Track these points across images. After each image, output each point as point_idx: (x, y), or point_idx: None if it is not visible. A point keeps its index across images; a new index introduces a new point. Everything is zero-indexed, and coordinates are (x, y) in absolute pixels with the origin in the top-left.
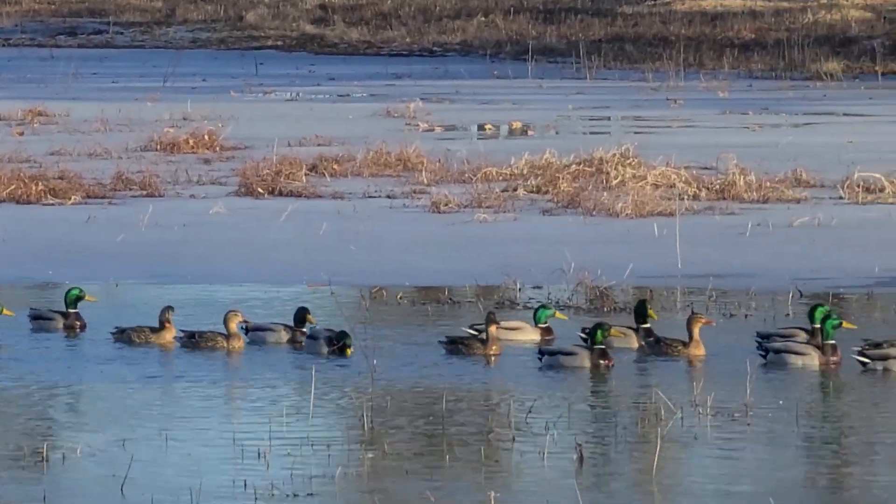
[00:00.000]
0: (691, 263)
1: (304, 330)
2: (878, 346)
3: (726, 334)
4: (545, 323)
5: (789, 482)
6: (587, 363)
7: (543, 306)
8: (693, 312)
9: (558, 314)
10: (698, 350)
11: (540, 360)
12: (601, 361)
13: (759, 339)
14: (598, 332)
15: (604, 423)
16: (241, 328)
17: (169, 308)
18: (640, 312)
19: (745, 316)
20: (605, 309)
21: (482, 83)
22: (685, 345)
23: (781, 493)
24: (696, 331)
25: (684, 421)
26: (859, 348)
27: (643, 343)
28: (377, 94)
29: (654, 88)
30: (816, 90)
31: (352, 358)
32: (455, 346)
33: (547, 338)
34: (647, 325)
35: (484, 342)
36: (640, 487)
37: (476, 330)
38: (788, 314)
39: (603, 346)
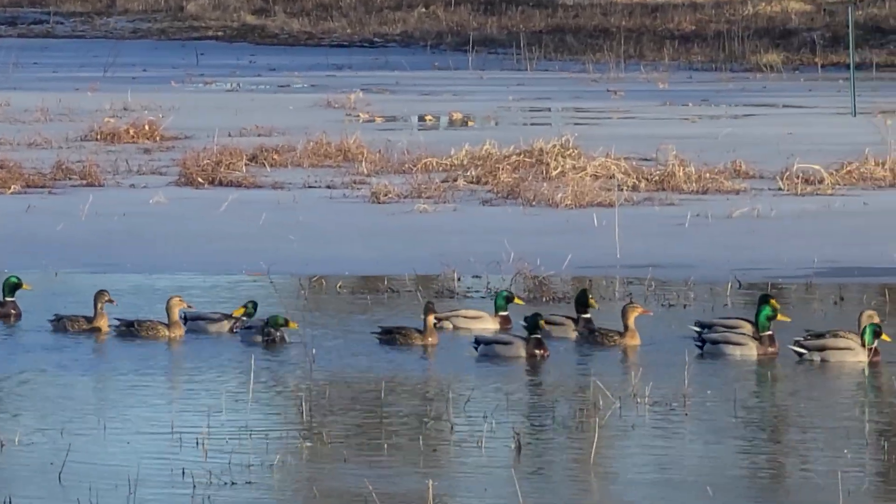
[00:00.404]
0: (630, 254)
1: (244, 319)
2: (820, 336)
3: (665, 324)
4: (505, 311)
5: (727, 471)
6: (522, 353)
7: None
8: (629, 302)
9: (517, 300)
10: (633, 340)
11: (476, 349)
12: (536, 351)
13: (700, 329)
14: (535, 322)
15: (542, 412)
16: (182, 315)
17: (102, 292)
18: (581, 302)
19: (684, 306)
20: (544, 299)
21: (423, 74)
22: (621, 335)
23: (719, 483)
24: (631, 321)
25: (622, 410)
26: (800, 339)
27: (580, 332)
28: (318, 85)
29: (594, 80)
30: (756, 82)
31: (290, 347)
32: (391, 335)
33: (506, 327)
34: (588, 315)
35: (421, 332)
36: (578, 476)
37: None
38: (727, 304)
39: (539, 336)
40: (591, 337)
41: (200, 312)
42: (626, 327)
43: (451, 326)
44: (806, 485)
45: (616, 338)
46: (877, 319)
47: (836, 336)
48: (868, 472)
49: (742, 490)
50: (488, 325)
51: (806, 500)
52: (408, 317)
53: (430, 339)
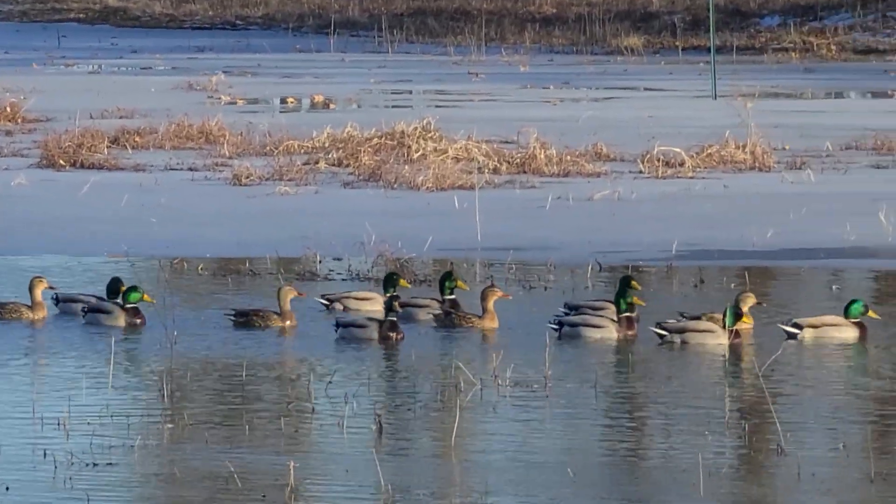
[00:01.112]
0: (491, 236)
1: (118, 302)
2: (697, 318)
3: (526, 306)
4: (451, 294)
5: (588, 453)
6: (376, 335)
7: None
8: (490, 286)
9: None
10: (492, 322)
11: (336, 331)
12: (390, 334)
13: (567, 311)
14: (390, 305)
15: (403, 394)
16: (52, 298)
17: None
18: (445, 284)
19: (545, 288)
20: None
21: (284, 57)
22: (479, 317)
23: (580, 465)
24: (490, 304)
25: (483, 392)
26: (675, 320)
27: (436, 315)
28: (179, 67)
29: (455, 62)
30: (617, 65)
31: (152, 328)
32: (248, 318)
33: (451, 310)
34: (453, 297)
35: (279, 314)
36: (440, 458)
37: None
38: (588, 287)
39: (394, 319)
40: (449, 319)
41: (72, 294)
42: (484, 310)
43: (341, 308)
44: (666, 466)
45: (474, 320)
46: (753, 301)
47: (713, 318)
48: (728, 454)
49: (603, 472)
50: (378, 307)
51: (666, 482)
52: (270, 299)
53: (287, 321)
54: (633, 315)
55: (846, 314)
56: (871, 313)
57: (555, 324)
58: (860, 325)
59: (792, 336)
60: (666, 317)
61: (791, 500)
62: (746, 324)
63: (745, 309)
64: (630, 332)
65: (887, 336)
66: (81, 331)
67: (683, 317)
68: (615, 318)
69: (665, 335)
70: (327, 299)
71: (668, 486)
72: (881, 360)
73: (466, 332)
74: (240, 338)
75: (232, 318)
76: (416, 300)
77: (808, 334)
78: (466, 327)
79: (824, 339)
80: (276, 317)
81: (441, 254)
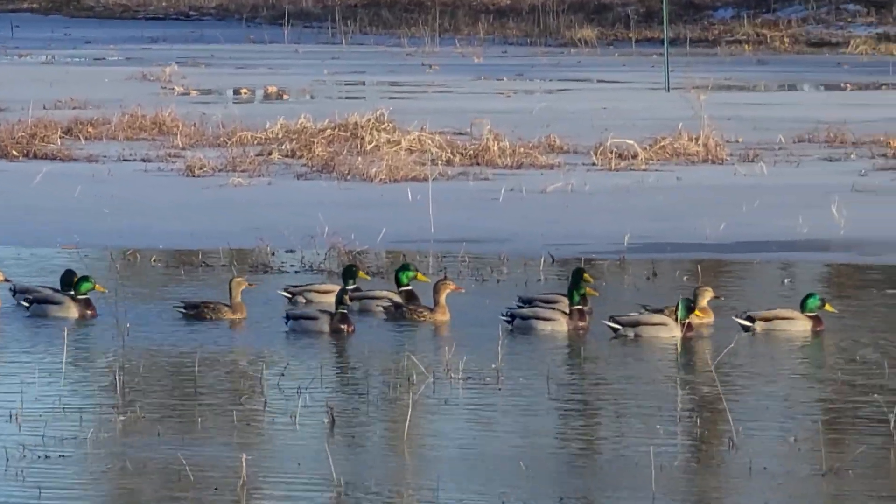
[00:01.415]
0: (444, 228)
1: (71, 293)
2: (659, 311)
3: (479, 299)
4: (408, 285)
5: (540, 446)
6: (327, 328)
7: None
8: (442, 279)
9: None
10: (443, 315)
11: (286, 324)
12: (341, 326)
13: (521, 304)
14: (340, 298)
15: (355, 387)
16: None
17: None
18: (402, 276)
19: (498, 281)
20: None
21: (238, 48)
22: (430, 310)
23: (532, 458)
24: (442, 297)
25: (436, 385)
26: (636, 313)
27: (389, 308)
28: (133, 58)
29: (409, 54)
30: (570, 57)
31: (105, 320)
32: (198, 310)
33: (409, 300)
34: (409, 289)
35: (229, 306)
36: (392, 451)
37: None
38: (540, 279)
39: (345, 311)
40: (400, 312)
41: (30, 286)
42: (436, 303)
43: (304, 300)
44: (618, 460)
45: (426, 313)
46: (711, 295)
47: (665, 312)
48: (680, 447)
49: (555, 465)
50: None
51: (618, 476)
52: (222, 291)
53: (238, 314)
54: (586, 308)
55: (802, 308)
56: (827, 307)
57: (506, 316)
58: (815, 319)
59: (746, 329)
60: (619, 310)
61: (742, 494)
62: (699, 317)
63: (703, 303)
64: (581, 324)
65: (840, 329)
66: (34, 323)
67: (646, 309)
68: (567, 311)
69: (618, 329)
70: (290, 292)
71: (619, 480)
72: (834, 353)
73: (418, 325)
74: (192, 330)
75: (182, 310)
76: (371, 292)
77: (759, 327)
78: (418, 321)
79: (777, 333)
80: (226, 309)
81: (394, 245)
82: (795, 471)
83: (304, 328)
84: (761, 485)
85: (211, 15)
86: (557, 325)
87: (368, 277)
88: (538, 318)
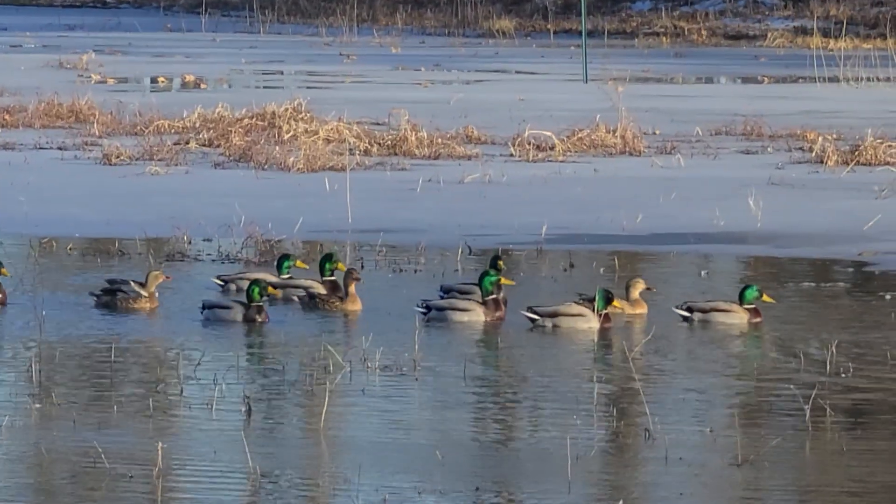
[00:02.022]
0: (362, 218)
1: None
2: (609, 300)
3: (396, 289)
4: (331, 275)
5: (457, 436)
6: (240, 317)
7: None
8: (349, 270)
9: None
10: (355, 305)
11: (201, 313)
12: (255, 316)
13: (442, 294)
14: (255, 290)
15: (272, 376)
16: None
17: None
18: (324, 266)
19: (415, 271)
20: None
21: (156, 36)
22: (341, 300)
23: (449, 447)
24: (351, 287)
25: (353, 375)
26: (533, 305)
27: (303, 297)
28: (50, 45)
29: (327, 43)
30: (489, 48)
31: (19, 308)
32: (113, 298)
33: (334, 290)
34: (333, 279)
35: (145, 296)
36: (309, 440)
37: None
38: (458, 270)
39: (259, 303)
40: (313, 302)
41: None
42: (346, 293)
43: (235, 288)
44: (535, 450)
45: (337, 303)
46: (643, 286)
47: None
48: (596, 438)
49: (471, 455)
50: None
51: (535, 465)
52: (137, 279)
53: (150, 303)
54: (500, 297)
55: (741, 299)
56: (765, 298)
57: (422, 307)
58: (753, 311)
59: (686, 319)
60: (541, 301)
61: (658, 484)
62: (617, 307)
63: (635, 294)
64: (498, 314)
65: (757, 322)
66: None
67: (582, 298)
68: (483, 301)
69: (537, 319)
70: (223, 280)
71: (536, 469)
72: (751, 345)
73: (334, 315)
74: (109, 319)
75: (96, 295)
76: (294, 281)
77: (697, 317)
78: (330, 310)
79: (715, 325)
80: (141, 298)
81: (311, 235)
82: (711, 461)
83: (219, 317)
84: (677, 475)
85: (128, 3)
86: (474, 315)
87: (306, 266)
88: (454, 308)
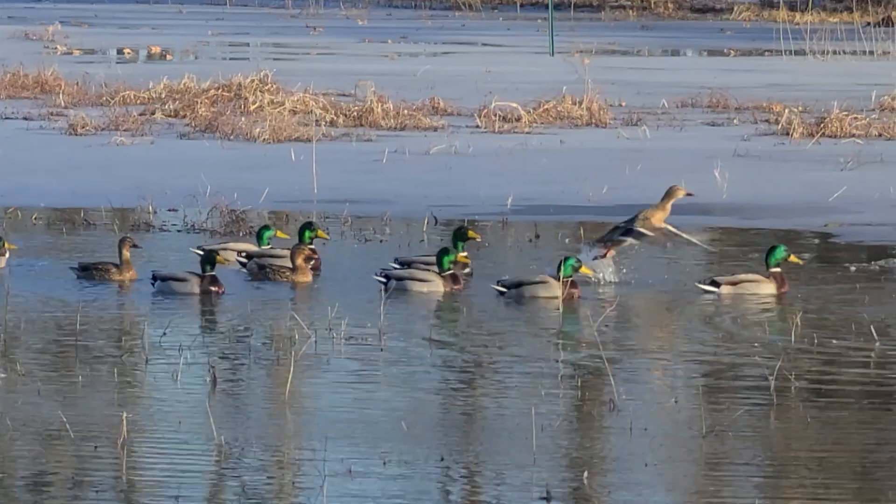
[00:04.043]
0: (328, 189)
1: None
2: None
3: (361, 260)
4: (311, 244)
5: (422, 407)
6: (196, 289)
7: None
8: (297, 244)
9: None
10: (304, 277)
11: (153, 285)
12: (211, 288)
13: (399, 266)
14: (210, 258)
15: (237, 345)
16: None
17: None
18: (303, 234)
19: (381, 241)
20: (241, 233)
21: (121, 7)
22: (292, 271)
23: (414, 417)
24: (300, 260)
25: (318, 345)
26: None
27: (252, 268)
28: (15, 17)
29: (293, 15)
30: (455, 20)
31: None
32: (88, 271)
33: (265, 264)
34: (452, 272)
35: (118, 267)
36: (274, 409)
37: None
38: (423, 240)
39: (214, 273)
40: (263, 272)
41: None
42: (294, 265)
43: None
44: (499, 420)
45: (287, 273)
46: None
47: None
48: (561, 407)
49: (437, 425)
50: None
51: (500, 435)
52: (105, 249)
53: (127, 274)
54: (461, 272)
55: (767, 260)
56: (792, 258)
57: (381, 276)
58: (780, 279)
59: (710, 293)
60: (501, 272)
61: (622, 455)
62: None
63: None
64: (456, 287)
65: (783, 292)
66: None
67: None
68: (441, 274)
69: (504, 292)
70: (203, 250)
71: (501, 440)
72: (717, 315)
73: (280, 285)
74: (75, 288)
75: (76, 271)
76: (273, 251)
77: (724, 291)
78: (280, 280)
79: (745, 295)
80: (115, 269)
81: (277, 206)
82: (675, 432)
83: (173, 290)
84: (641, 445)
85: None
86: (434, 286)
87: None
88: (413, 279)
